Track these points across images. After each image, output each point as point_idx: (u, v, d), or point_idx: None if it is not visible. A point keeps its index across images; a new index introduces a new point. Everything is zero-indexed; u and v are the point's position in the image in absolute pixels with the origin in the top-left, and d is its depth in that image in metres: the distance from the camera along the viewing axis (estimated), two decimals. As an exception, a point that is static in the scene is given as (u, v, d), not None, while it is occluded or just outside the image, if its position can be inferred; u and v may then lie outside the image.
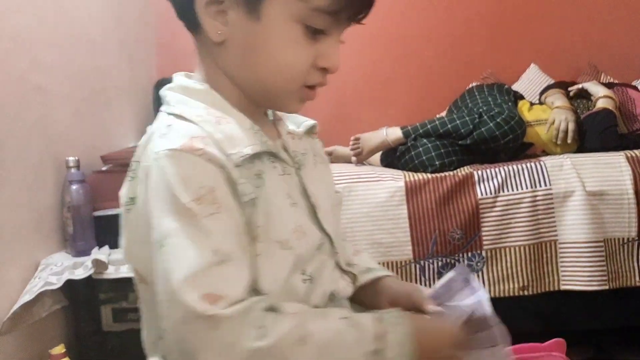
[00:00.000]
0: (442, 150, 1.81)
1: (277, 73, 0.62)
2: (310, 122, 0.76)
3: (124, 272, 1.59)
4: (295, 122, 0.75)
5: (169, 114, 0.64)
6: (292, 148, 0.69)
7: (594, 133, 1.87)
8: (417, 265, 1.70)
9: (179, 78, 0.69)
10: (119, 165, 1.97)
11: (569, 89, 2.09)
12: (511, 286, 1.67)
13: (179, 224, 0.54)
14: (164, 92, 0.67)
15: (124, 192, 0.64)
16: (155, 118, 0.67)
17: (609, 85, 2.07)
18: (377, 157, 2.03)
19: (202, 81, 0.66)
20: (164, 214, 0.55)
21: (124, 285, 1.72)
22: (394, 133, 1.94)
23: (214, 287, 0.52)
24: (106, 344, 1.69)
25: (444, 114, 2.19)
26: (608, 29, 2.50)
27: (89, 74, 1.87)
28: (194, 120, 0.61)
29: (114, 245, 1.75)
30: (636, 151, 1.71)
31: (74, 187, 1.56)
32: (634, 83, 2.34)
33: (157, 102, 2.66)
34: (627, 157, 1.68)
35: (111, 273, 1.60)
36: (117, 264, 1.61)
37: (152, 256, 0.55)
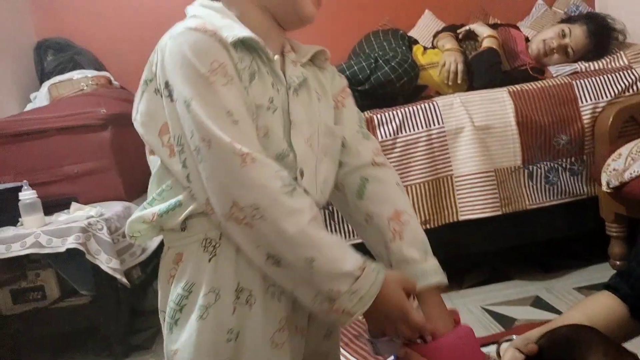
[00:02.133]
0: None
1: None
2: (314, 48, 0.82)
3: (17, 250, 1.50)
4: (303, 53, 0.81)
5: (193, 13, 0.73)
6: (288, 72, 0.75)
7: (481, 71, 1.98)
8: (327, 211, 1.76)
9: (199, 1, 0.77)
10: (3, 136, 1.82)
11: (458, 31, 2.18)
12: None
13: (199, 90, 0.64)
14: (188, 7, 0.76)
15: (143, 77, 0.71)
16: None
17: (493, 26, 2.19)
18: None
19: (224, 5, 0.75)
20: (185, 80, 0.64)
21: (21, 264, 1.62)
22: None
23: (238, 139, 0.64)
24: (7, 328, 1.60)
25: (345, 62, 2.21)
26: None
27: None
28: (204, 17, 0.71)
29: (1, 222, 1.64)
30: (517, 86, 1.84)
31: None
32: (517, 24, 2.50)
33: (40, 65, 2.47)
34: (510, 92, 1.81)
35: (2, 253, 1.50)
36: (7, 242, 1.52)
37: (180, 113, 0.65)
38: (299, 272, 0.65)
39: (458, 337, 0.67)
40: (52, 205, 1.67)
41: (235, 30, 0.69)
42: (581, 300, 1.11)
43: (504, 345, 0.80)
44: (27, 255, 1.56)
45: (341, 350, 1.19)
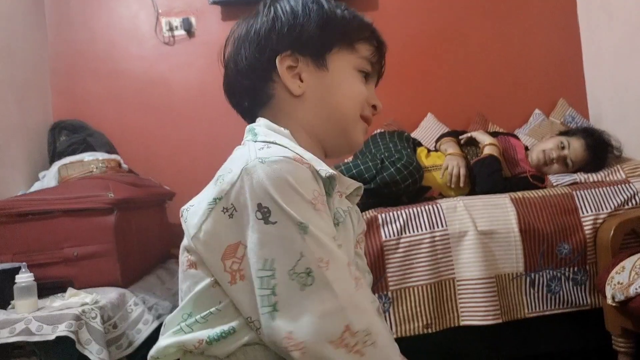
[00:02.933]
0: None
1: (350, 99, 0.80)
2: (356, 184, 0.86)
3: (5, 336, 1.45)
4: (345, 184, 0.84)
5: (259, 141, 0.73)
6: (336, 205, 0.76)
7: (483, 177, 2.04)
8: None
9: (264, 120, 0.79)
10: (7, 216, 1.82)
11: (460, 137, 2.27)
12: (416, 325, 1.73)
13: (310, 215, 0.64)
14: (251, 126, 0.78)
15: (203, 197, 0.70)
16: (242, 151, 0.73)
17: (493, 134, 2.29)
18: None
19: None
20: (294, 205, 0.64)
21: (6, 350, 1.55)
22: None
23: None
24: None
25: (350, 159, 2.28)
26: (494, 84, 2.78)
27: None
28: (285, 145, 0.71)
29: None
30: (519, 193, 1.88)
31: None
32: (515, 131, 2.61)
33: (52, 145, 2.52)
34: (512, 199, 1.85)
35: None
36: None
37: (284, 235, 0.63)
38: None
39: None
40: (47, 288, 1.63)
41: (322, 165, 0.71)
42: None
43: None
44: (12, 342, 1.49)
45: None
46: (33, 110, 2.33)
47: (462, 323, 1.73)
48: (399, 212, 1.81)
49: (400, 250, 1.76)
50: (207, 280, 0.68)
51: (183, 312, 0.70)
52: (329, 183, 0.70)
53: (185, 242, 0.71)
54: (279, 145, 0.71)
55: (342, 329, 0.60)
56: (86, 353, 1.47)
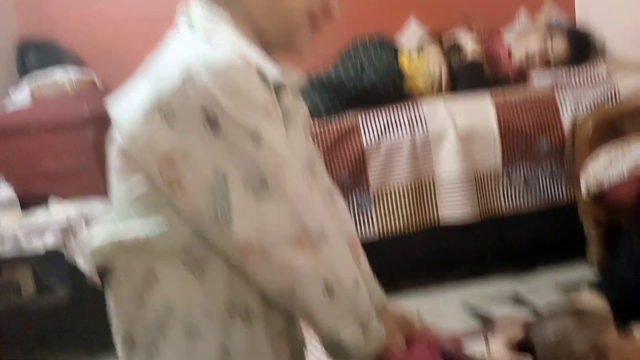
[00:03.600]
0: (328, 102, 1.86)
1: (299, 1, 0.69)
2: (298, 74, 0.76)
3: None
4: (289, 77, 0.74)
5: (198, 34, 0.66)
6: (285, 103, 0.71)
7: (464, 81, 2.02)
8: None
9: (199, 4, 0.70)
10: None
11: (442, 41, 2.22)
12: (397, 224, 1.78)
13: (265, 124, 0.61)
14: (186, 11, 0.69)
15: (138, 98, 0.64)
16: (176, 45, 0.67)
17: (477, 37, 2.23)
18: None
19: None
20: (244, 112, 0.60)
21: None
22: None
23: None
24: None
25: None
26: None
27: None
28: (228, 40, 0.64)
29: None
30: (500, 93, 1.87)
31: None
32: (500, 32, 2.54)
33: (21, 63, 2.43)
34: (492, 99, 1.84)
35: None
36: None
37: (237, 147, 0.60)
38: (348, 298, 0.65)
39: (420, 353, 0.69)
40: (30, 202, 1.64)
41: (269, 66, 0.65)
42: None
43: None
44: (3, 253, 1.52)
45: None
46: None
47: (442, 220, 1.79)
48: (379, 115, 1.80)
49: (382, 152, 1.78)
50: (145, 187, 0.65)
51: (119, 212, 0.67)
52: (277, 85, 0.66)
53: (119, 143, 0.66)
54: (222, 40, 0.64)
55: (298, 232, 0.61)
56: (76, 263, 1.50)
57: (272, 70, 0.65)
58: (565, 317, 0.77)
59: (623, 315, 0.80)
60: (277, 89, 0.66)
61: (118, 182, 0.68)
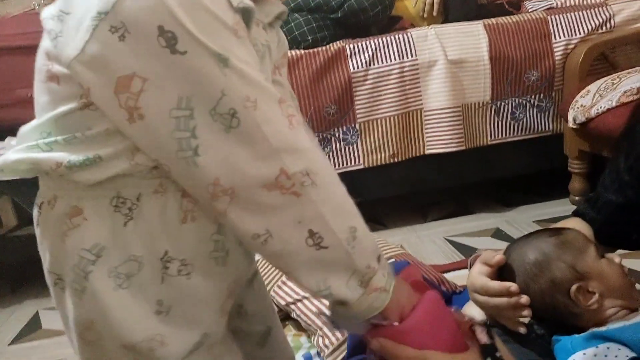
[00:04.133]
0: (314, 25, 1.77)
1: None
2: (279, 8, 0.67)
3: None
4: (264, 12, 0.66)
5: None
6: (254, 36, 0.61)
7: (456, 4, 1.94)
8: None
9: None
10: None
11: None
12: (382, 155, 1.77)
13: (232, 44, 0.53)
14: None
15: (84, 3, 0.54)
16: None
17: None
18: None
19: None
20: (209, 31, 0.52)
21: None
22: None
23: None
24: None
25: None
26: None
27: None
28: None
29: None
30: (493, 20, 1.80)
31: None
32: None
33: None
34: (485, 26, 1.77)
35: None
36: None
37: (199, 69, 0.52)
38: (341, 248, 0.56)
39: (425, 313, 0.62)
40: (3, 131, 1.58)
41: None
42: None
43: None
44: (-21, 182, 1.48)
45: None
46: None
47: (427, 151, 1.78)
48: (367, 43, 1.73)
49: (369, 81, 1.73)
50: (75, 103, 0.56)
51: (41, 129, 0.58)
52: (246, 11, 0.57)
53: (46, 45, 0.57)
54: None
55: (276, 173, 0.53)
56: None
57: None
58: (545, 239, 0.77)
59: (605, 239, 0.81)
60: (246, 16, 0.57)
61: (41, 91, 0.59)
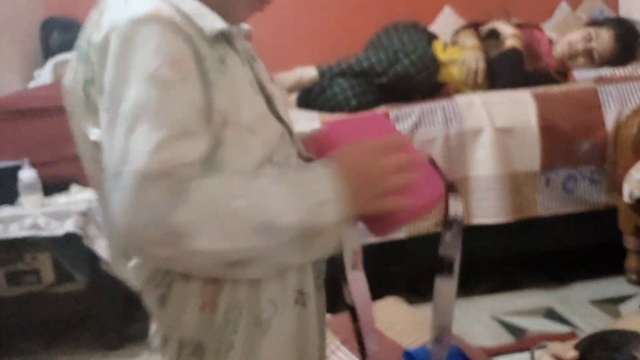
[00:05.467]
0: (358, 89, 1.78)
1: None
2: (247, 26, 0.72)
3: (15, 231, 1.45)
4: (237, 29, 0.69)
5: None
6: (238, 46, 0.65)
7: (503, 70, 1.92)
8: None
9: None
10: (5, 113, 1.76)
11: (479, 29, 2.11)
12: (427, 223, 1.71)
13: (150, 93, 0.53)
14: None
15: (72, 77, 0.61)
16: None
17: (517, 26, 2.12)
18: (292, 98, 1.96)
19: None
20: (134, 82, 0.54)
21: (18, 245, 1.57)
22: (309, 73, 1.88)
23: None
24: (0, 311, 1.55)
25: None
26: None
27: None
28: None
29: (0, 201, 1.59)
30: (541, 88, 1.78)
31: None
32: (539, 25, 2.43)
33: (45, 42, 2.39)
34: (533, 94, 1.75)
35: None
36: (5, 221, 1.46)
37: (114, 123, 0.53)
38: (264, 249, 0.55)
39: (352, 118, 0.63)
40: (51, 187, 1.61)
41: (208, 18, 0.59)
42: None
43: (538, 353, 0.76)
44: (24, 238, 1.50)
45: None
46: (21, 5, 2.18)
47: (473, 221, 1.71)
48: (412, 108, 1.72)
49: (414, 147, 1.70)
50: None
51: None
52: (224, 37, 0.60)
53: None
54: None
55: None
56: (95, 248, 1.48)
57: (211, 22, 0.59)
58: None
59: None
60: (229, 40, 0.61)
61: None
